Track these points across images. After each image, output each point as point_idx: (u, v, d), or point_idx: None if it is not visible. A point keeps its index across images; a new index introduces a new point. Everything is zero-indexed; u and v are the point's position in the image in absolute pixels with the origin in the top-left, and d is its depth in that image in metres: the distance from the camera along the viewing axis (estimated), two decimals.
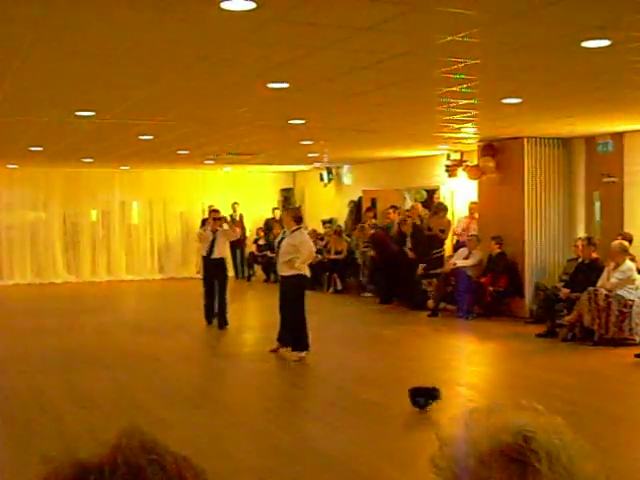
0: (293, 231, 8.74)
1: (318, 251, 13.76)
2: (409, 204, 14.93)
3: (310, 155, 14.73)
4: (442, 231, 13.47)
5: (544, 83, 6.96)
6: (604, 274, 9.79)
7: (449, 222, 13.70)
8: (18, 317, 12.48)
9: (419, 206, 14.35)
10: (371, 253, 14.26)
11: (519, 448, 0.98)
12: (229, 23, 4.64)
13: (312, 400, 7.35)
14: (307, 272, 8.82)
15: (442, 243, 13.52)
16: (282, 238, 8.87)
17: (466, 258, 12.14)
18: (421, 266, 13.02)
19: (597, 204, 11.41)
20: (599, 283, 9.73)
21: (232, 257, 18.53)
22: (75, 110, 8.23)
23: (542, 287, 11.08)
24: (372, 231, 14.43)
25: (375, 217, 15.31)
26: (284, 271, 8.73)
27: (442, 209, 13.69)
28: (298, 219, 8.91)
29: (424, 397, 6.38)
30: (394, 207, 14.70)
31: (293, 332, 8.71)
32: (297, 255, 8.60)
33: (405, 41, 5.21)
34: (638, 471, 5.21)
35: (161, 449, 0.94)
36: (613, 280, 9.55)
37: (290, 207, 9.95)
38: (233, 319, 11.12)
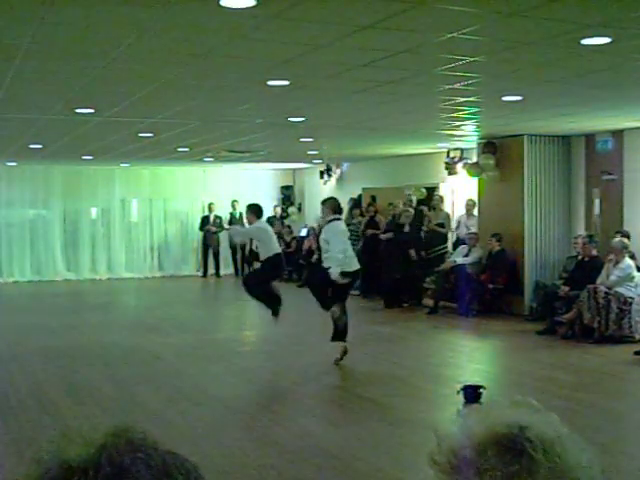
0: (329, 222, 8.53)
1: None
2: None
3: (310, 152, 14.73)
4: (441, 225, 13.41)
5: (544, 81, 6.96)
6: (603, 271, 9.80)
7: (448, 215, 13.66)
8: (18, 315, 12.48)
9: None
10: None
11: (514, 437, 0.99)
12: (229, 20, 4.64)
13: (312, 397, 7.34)
14: (351, 268, 8.31)
15: (445, 239, 13.45)
16: (320, 229, 8.72)
17: (466, 255, 12.14)
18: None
19: (597, 201, 11.41)
20: (598, 280, 9.73)
21: (232, 255, 18.57)
22: (75, 108, 8.23)
23: (542, 284, 11.09)
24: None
25: (362, 215, 15.29)
26: (330, 264, 8.20)
27: (438, 202, 13.65)
28: (337, 208, 8.60)
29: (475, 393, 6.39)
30: (392, 204, 14.68)
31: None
32: (329, 250, 8.18)
33: (405, 38, 5.20)
34: (637, 468, 5.22)
35: (149, 447, 0.92)
36: (613, 277, 9.55)
37: (329, 198, 9.36)
38: (233, 318, 11.11)
